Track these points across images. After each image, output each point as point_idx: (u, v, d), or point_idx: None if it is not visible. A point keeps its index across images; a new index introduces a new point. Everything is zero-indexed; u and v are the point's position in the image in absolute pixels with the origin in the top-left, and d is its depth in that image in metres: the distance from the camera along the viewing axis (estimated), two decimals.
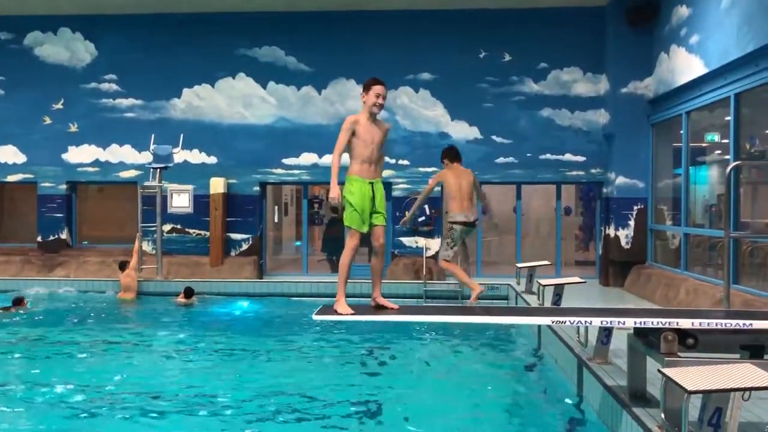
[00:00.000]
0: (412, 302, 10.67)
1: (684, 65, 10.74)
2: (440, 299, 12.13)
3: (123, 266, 12.14)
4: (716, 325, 4.80)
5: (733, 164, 7.33)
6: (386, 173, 13.77)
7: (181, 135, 13.44)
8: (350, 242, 5.52)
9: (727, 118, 9.26)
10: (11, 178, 14.50)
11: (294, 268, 14.92)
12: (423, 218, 13.60)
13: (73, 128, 14.35)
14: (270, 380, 7.07)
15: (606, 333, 6.12)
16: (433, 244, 13.63)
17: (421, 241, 13.63)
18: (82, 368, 7.63)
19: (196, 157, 14.15)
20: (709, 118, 10.76)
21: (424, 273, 12.47)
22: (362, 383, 7.03)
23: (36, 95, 14.33)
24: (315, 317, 5.45)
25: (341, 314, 5.43)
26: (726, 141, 9.49)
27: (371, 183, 5.57)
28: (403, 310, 5.62)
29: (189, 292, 11.67)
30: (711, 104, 10.06)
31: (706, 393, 3.68)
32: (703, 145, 11.31)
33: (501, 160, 13.75)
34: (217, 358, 8.18)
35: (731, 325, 4.78)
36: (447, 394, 6.63)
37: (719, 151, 10.78)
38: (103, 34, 14.28)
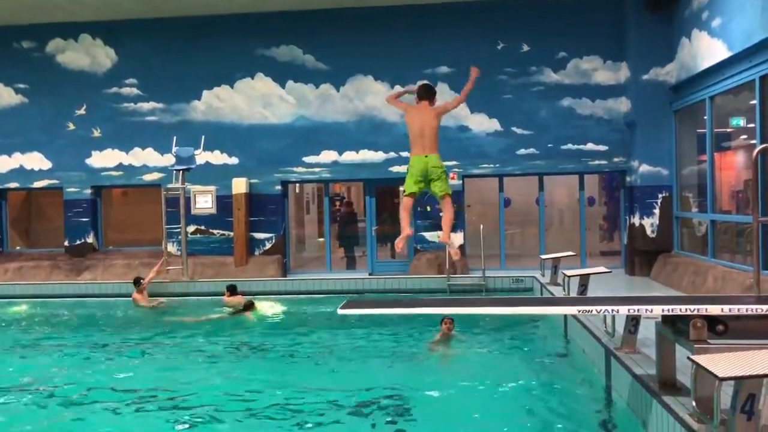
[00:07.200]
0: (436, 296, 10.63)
1: (706, 49, 10.57)
2: (464, 293, 12.12)
3: (137, 282, 11.74)
4: (746, 311, 4.70)
5: (759, 148, 7.18)
6: (406, 168, 13.73)
7: (202, 136, 13.54)
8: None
9: (753, 101, 9.10)
10: (37, 184, 14.72)
11: (317, 266, 14.98)
12: None
13: (96, 133, 14.52)
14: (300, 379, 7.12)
15: (633, 322, 6.05)
16: (456, 239, 13.59)
17: None
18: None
19: (217, 158, 14.24)
20: (733, 103, 10.58)
21: (447, 267, 12.45)
22: (390, 374, 7.07)
23: (59, 102, 14.53)
24: (340, 311, 5.47)
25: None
26: (752, 125, 9.33)
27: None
28: (430, 303, 5.63)
29: (233, 289, 11.61)
30: (735, 88, 9.89)
31: (738, 380, 3.61)
32: (728, 130, 11.12)
33: (522, 151, 13.65)
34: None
35: (762, 310, 4.68)
36: (475, 385, 6.62)
37: (745, 136, 10.59)
38: (122, 40, 14.43)
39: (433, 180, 6.38)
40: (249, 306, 10.79)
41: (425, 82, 6.93)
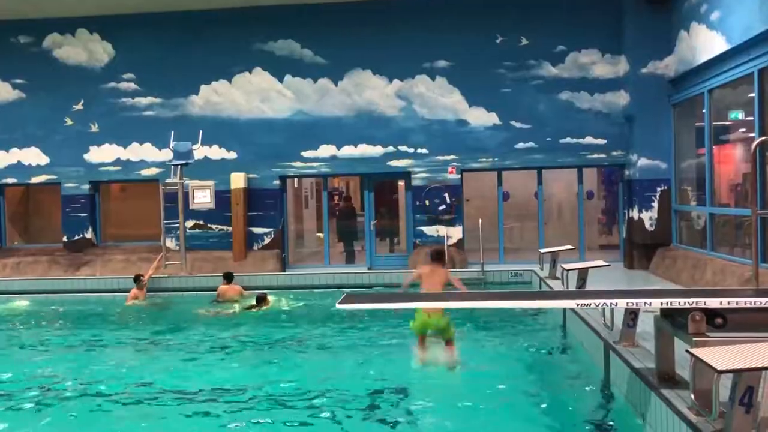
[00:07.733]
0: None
1: (705, 42, 10.54)
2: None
3: (137, 279, 11.62)
4: (745, 303, 4.70)
5: (758, 141, 7.16)
6: (405, 162, 13.77)
7: (200, 131, 13.52)
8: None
9: (751, 94, 9.09)
10: (35, 180, 14.69)
11: (316, 261, 14.97)
12: (444, 207, 13.54)
13: (94, 128, 14.49)
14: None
15: (632, 315, 6.05)
16: (455, 233, 13.59)
17: (443, 230, 13.58)
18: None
19: (215, 152, 14.22)
20: (732, 96, 10.56)
21: (446, 261, 12.42)
22: (389, 368, 7.07)
23: (56, 97, 14.49)
24: (338, 306, 5.46)
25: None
26: (750, 118, 9.32)
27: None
28: (429, 297, 5.61)
29: (229, 277, 11.59)
30: (734, 81, 9.87)
31: (737, 372, 3.61)
32: (727, 123, 11.11)
33: (521, 145, 13.63)
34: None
35: (761, 303, 4.67)
36: (474, 379, 6.63)
37: (743, 129, 10.58)
38: (120, 34, 14.38)
39: (438, 331, 7.26)
40: (261, 300, 10.77)
41: (439, 248, 8.27)
